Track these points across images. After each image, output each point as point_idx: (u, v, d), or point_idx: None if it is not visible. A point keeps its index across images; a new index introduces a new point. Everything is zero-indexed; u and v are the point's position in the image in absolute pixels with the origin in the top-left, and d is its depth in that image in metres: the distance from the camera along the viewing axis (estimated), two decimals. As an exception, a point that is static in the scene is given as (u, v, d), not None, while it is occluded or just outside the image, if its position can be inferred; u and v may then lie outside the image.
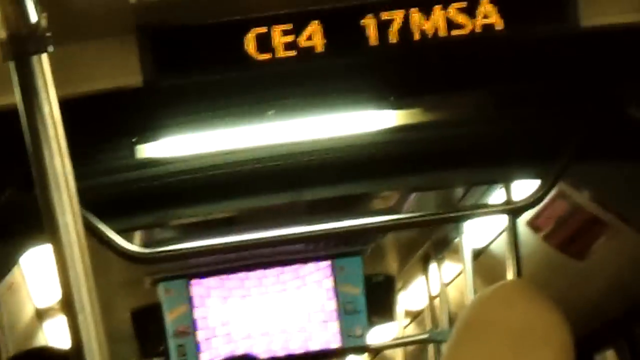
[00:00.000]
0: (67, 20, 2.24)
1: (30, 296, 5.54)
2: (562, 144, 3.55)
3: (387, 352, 7.08)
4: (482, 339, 2.36)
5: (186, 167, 3.59)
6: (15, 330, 5.07)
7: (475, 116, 3.48)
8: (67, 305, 1.46)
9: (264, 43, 2.82)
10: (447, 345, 2.60)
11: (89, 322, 1.46)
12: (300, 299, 4.87)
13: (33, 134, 1.52)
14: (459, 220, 5.04)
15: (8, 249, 3.98)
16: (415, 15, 2.76)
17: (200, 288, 5.80)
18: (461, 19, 2.81)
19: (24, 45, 1.48)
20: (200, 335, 4.82)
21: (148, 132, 3.30)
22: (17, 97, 1.52)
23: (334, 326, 4.71)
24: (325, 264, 4.90)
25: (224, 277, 5.83)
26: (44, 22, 1.49)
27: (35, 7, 1.47)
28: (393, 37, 2.77)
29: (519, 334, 2.32)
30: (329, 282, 4.82)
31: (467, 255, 5.11)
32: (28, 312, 5.71)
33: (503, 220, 4.54)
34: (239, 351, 4.76)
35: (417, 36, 2.74)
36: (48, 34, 1.49)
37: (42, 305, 5.69)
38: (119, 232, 3.66)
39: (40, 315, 5.87)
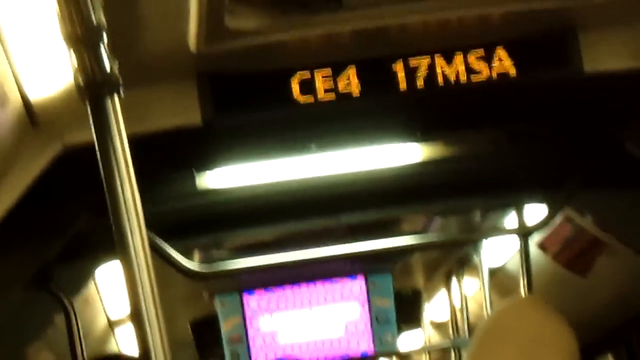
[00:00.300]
0: (137, 67, 2.27)
1: (103, 308, 5.58)
2: (568, 175, 3.54)
3: (415, 357, 7.24)
4: (499, 347, 2.34)
5: (239, 195, 3.53)
6: (89, 339, 5.05)
7: (492, 151, 3.42)
8: (136, 316, 1.44)
9: (307, 87, 2.83)
10: (467, 351, 2.65)
11: (154, 332, 1.43)
12: (338, 311, 4.92)
13: (106, 165, 1.51)
14: (477, 240, 5.04)
15: (84, 266, 3.99)
16: (439, 63, 2.74)
17: (251, 301, 5.89)
18: (479, 65, 2.79)
19: (99, 89, 1.46)
20: (252, 342, 4.88)
21: (206, 165, 3.33)
22: (93, 134, 1.47)
23: (368, 334, 4.75)
24: (360, 280, 4.95)
25: (271, 291, 6.01)
26: (116, 69, 1.47)
27: (109, 56, 1.47)
28: (420, 81, 2.74)
29: (532, 342, 2.29)
30: (363, 296, 4.87)
31: (485, 272, 5.05)
32: (101, 322, 5.73)
33: (516, 241, 4.49)
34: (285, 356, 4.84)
35: (440, 81, 2.72)
36: (119, 80, 1.47)
37: (114, 316, 5.71)
38: (180, 252, 3.69)
39: (112, 324, 5.89)
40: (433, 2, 2.68)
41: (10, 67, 2.68)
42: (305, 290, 5.23)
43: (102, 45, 1.49)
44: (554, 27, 2.84)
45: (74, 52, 1.47)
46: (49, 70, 2.83)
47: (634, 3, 2.79)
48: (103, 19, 1.49)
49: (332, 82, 2.74)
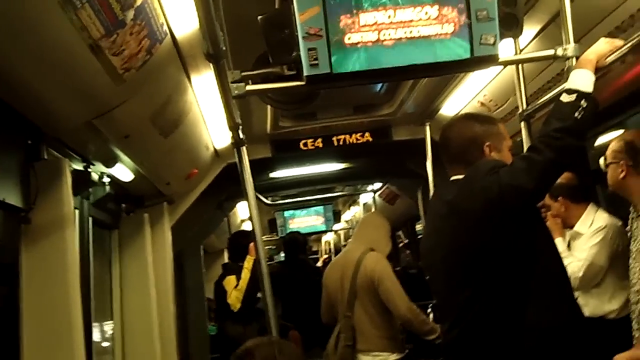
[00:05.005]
0: (250, 137, 2.62)
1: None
2: (388, 175, 6.17)
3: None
4: (365, 227, 4.42)
5: (281, 179, 5.80)
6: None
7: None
8: (250, 218, 2.47)
9: (305, 144, 4.98)
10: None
11: (257, 231, 2.45)
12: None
13: (244, 180, 2.46)
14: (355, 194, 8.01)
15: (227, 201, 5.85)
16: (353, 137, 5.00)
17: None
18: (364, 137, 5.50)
19: (238, 144, 2.47)
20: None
21: (271, 169, 5.32)
22: (236, 159, 2.43)
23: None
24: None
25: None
26: (244, 137, 2.47)
27: (241, 133, 2.45)
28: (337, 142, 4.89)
29: (377, 225, 4.39)
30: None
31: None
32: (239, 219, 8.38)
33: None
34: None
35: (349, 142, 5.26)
36: (245, 141, 2.49)
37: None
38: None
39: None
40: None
41: (210, 136, 4.28)
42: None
43: (240, 128, 2.44)
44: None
45: (232, 132, 2.47)
46: (223, 136, 4.42)
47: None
48: (239, 120, 2.43)
49: (313, 143, 4.91)
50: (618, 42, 2.31)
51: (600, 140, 4.10)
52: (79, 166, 3.19)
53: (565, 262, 2.47)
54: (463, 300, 2.29)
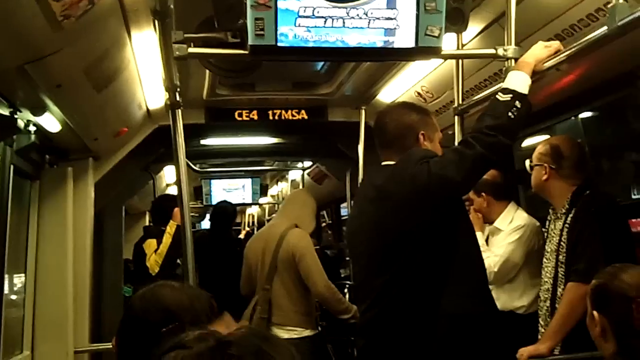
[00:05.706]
0: (186, 101, 2.64)
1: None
2: (320, 154, 6.21)
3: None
4: (292, 204, 4.47)
5: (212, 147, 5.74)
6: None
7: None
8: (178, 183, 2.55)
9: (240, 115, 4.86)
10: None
11: (185, 202, 2.50)
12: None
13: (176, 144, 2.47)
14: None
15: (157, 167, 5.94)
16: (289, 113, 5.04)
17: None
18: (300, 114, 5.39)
19: (174, 106, 2.50)
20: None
21: (203, 136, 5.33)
22: (171, 122, 2.46)
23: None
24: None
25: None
26: (179, 101, 2.49)
27: (178, 96, 2.47)
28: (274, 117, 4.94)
29: (303, 202, 4.45)
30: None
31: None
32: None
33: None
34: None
35: (286, 117, 4.96)
36: (181, 104, 2.50)
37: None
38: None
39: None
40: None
41: (144, 95, 4.24)
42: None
43: (177, 92, 2.46)
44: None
45: (169, 93, 2.47)
46: (157, 97, 4.34)
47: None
48: (178, 83, 2.46)
49: (248, 114, 4.88)
50: (556, 46, 2.37)
51: (527, 142, 4.22)
52: (4, 111, 3.07)
53: (483, 255, 2.55)
54: (382, 283, 2.35)
